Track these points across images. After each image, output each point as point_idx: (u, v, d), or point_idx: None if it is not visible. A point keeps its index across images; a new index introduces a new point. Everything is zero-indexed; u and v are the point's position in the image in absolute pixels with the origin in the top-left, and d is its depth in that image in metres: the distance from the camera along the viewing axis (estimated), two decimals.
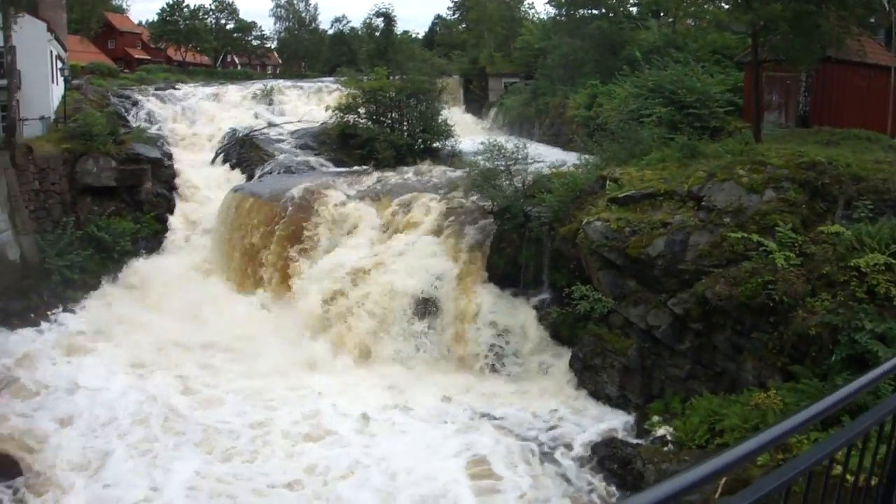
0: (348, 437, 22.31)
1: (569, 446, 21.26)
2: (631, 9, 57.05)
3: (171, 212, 40.56)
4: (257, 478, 20.42)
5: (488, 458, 21.01)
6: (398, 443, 21.96)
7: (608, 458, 19.97)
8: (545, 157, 31.16)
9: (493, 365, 26.02)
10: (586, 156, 29.69)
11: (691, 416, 19.51)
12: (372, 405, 24.17)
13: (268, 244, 33.11)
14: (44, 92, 42.65)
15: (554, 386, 24.69)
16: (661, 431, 20.18)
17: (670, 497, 2.59)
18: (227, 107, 54.84)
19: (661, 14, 56.87)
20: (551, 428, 22.39)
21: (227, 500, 19.37)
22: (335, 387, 25.62)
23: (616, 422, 22.10)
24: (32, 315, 31.01)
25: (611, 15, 53.29)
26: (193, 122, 51.06)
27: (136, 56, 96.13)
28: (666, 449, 19.38)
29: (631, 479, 18.85)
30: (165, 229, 39.54)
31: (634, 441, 20.55)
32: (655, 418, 20.85)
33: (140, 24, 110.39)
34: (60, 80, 46.53)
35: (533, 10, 77.87)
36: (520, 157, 28.84)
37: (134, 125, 46.56)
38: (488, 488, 19.74)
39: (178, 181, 42.17)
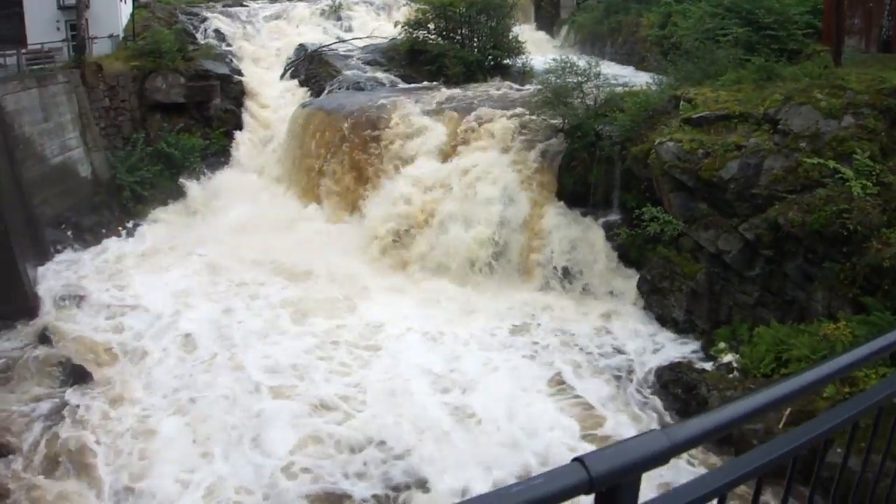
0: (415, 352, 22.82)
1: (633, 369, 21.44)
2: None
3: (240, 128, 40.92)
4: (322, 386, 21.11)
5: (553, 373, 21.39)
6: (468, 359, 22.39)
7: (672, 382, 20.06)
8: (617, 76, 30.64)
9: (560, 284, 26.16)
10: (659, 76, 29.22)
11: (758, 344, 19.35)
12: (439, 321, 24.63)
13: (336, 159, 33.33)
14: (112, 10, 42.97)
15: (620, 307, 24.78)
16: (726, 358, 20.14)
17: (733, 422, 2.63)
18: (296, 23, 54.68)
19: None
20: (616, 349, 22.59)
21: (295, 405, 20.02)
22: (401, 302, 26.12)
23: (682, 346, 22.20)
24: (104, 230, 31.86)
25: None
26: (261, 38, 51.09)
27: None
28: (731, 376, 19.38)
29: (695, 404, 18.89)
30: (234, 145, 39.97)
31: (699, 367, 20.61)
32: (722, 345, 20.76)
33: None
34: None
35: None
36: (592, 74, 28.47)
37: (202, 42, 46.71)
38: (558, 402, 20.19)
39: (246, 97, 42.42)
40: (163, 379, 21.56)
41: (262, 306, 26.07)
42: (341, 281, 27.42)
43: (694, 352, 21.72)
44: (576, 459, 2.21)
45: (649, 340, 22.82)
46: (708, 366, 20.57)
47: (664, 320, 23.32)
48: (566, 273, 26.23)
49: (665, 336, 22.85)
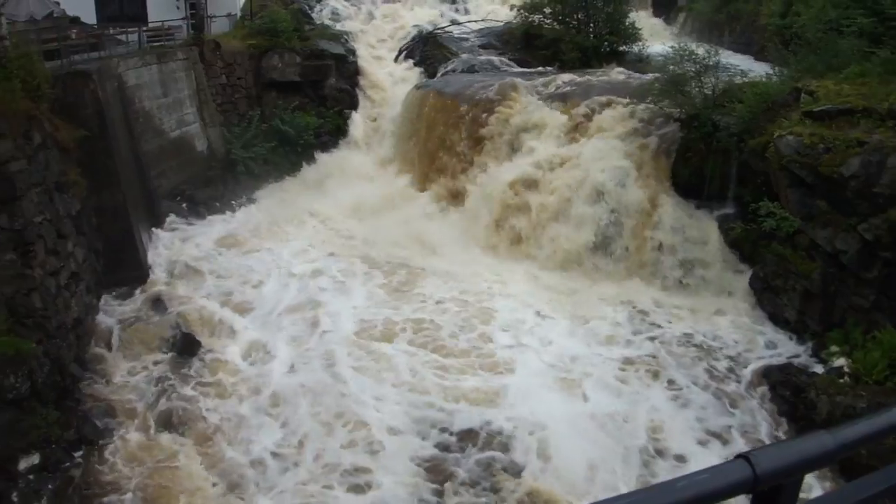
0: (523, 338, 22.80)
1: (741, 366, 20.98)
2: None
3: (354, 107, 41.43)
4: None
5: (659, 368, 21.09)
6: (572, 343, 22.30)
7: (781, 383, 19.55)
8: (736, 65, 29.93)
9: (670, 276, 25.76)
10: (779, 67, 28.39)
11: (872, 349, 18.63)
12: (547, 308, 24.55)
13: (450, 142, 33.39)
14: None
15: (731, 303, 24.29)
16: (838, 362, 19.44)
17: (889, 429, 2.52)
18: (411, 5, 54.97)
19: None
20: (725, 346, 22.14)
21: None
22: (510, 288, 26.07)
23: (792, 347, 21.62)
24: (217, 204, 32.54)
25: None
26: (377, 19, 51.50)
27: None
28: (842, 381, 18.71)
29: (803, 407, 18.38)
30: (348, 124, 40.45)
31: (810, 369, 20.05)
32: (834, 348, 20.05)
33: None
34: None
35: None
36: (711, 63, 27.83)
37: (318, 22, 47.43)
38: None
39: (361, 77, 42.86)
40: (272, 343, 22.16)
41: (372, 284, 26.45)
42: (454, 265, 27.61)
43: (804, 353, 21.13)
44: (740, 456, 2.18)
45: (759, 339, 22.31)
46: (818, 369, 20.00)
47: (775, 319, 22.74)
48: (678, 265, 25.80)
49: (775, 335, 22.29)
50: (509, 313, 24.21)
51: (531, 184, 29.16)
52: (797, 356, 21.04)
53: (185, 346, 21.66)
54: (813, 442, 2.29)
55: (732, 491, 2.12)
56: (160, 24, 37.20)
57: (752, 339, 22.33)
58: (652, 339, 22.67)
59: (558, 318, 23.98)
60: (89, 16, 39.24)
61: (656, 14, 61.91)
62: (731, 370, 20.92)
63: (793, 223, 21.97)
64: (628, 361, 21.47)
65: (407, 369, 20.95)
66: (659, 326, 23.38)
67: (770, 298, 22.90)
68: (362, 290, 26.06)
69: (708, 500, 2.11)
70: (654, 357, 21.60)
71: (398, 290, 26.06)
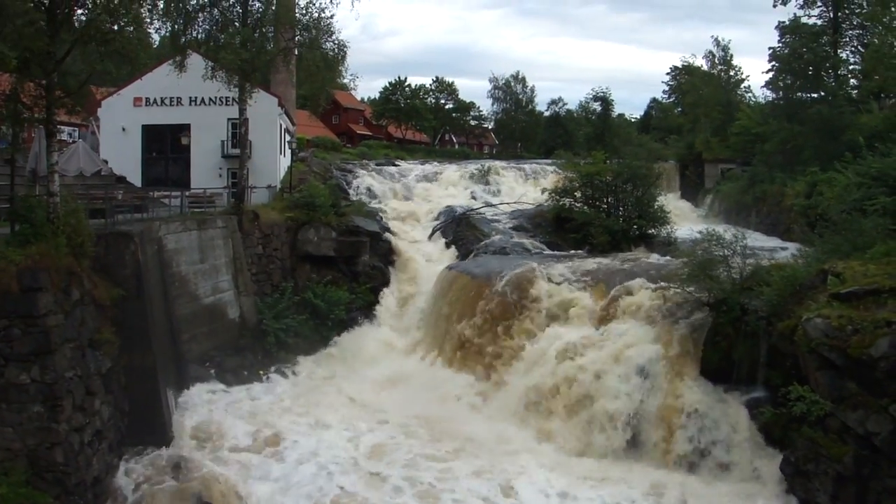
0: None
1: None
2: (851, 91, 54.63)
3: (387, 285, 41.98)
4: None
5: None
6: None
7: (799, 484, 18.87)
8: (763, 248, 30.21)
9: (698, 462, 25.22)
10: (805, 247, 28.63)
11: None
12: (571, 493, 23.98)
13: (480, 324, 33.54)
14: (272, 162, 45.68)
15: (762, 490, 23.53)
16: None
17: None
18: (445, 184, 56.44)
19: (883, 96, 54.55)
20: None
21: None
22: (533, 471, 25.51)
23: None
24: (246, 372, 32.59)
25: (830, 98, 51.06)
26: (411, 198, 52.86)
27: (358, 132, 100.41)
28: None
29: None
30: (379, 302, 40.80)
31: None
32: None
33: (363, 101, 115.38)
34: (288, 152, 49.53)
35: (750, 94, 75.81)
36: (738, 247, 28.12)
37: (354, 198, 48.77)
38: None
39: (394, 255, 43.52)
40: None
41: (404, 469, 25.78)
42: (483, 447, 27.12)
43: None
44: None
45: None
46: None
47: None
48: (705, 451, 25.29)
49: None
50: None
51: (560, 368, 29.03)
52: None
53: None
54: None
55: None
56: (202, 190, 38.33)
57: None
58: None
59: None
60: (135, 176, 40.78)
61: (684, 197, 63.21)
62: None
63: (823, 406, 21.57)
64: None
65: None
66: None
67: (802, 483, 22.25)
68: (386, 467, 25.57)
69: None
70: None
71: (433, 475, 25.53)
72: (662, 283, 30.24)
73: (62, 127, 39.94)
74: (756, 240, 31.89)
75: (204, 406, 28.57)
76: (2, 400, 18.48)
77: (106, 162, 37.19)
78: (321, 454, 26.14)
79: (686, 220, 49.60)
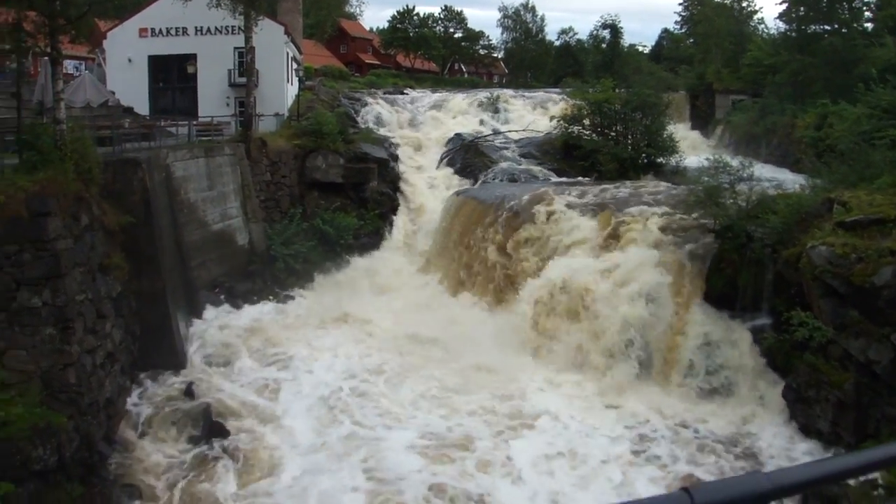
0: (551, 440, 22.64)
1: None
2: (865, 25, 54.12)
3: (394, 211, 42.07)
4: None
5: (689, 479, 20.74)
6: (599, 451, 22.07)
7: (813, 496, 19.19)
8: (772, 178, 30.14)
9: (702, 384, 25.53)
10: (814, 178, 28.62)
11: None
12: (577, 414, 24.36)
13: (487, 249, 33.74)
14: (279, 90, 45.42)
15: (764, 414, 23.89)
16: (872, 474, 19.16)
17: (838, 474, 2.58)
18: (454, 113, 56.13)
19: None
20: (754, 457, 21.79)
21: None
22: (542, 392, 25.93)
23: None
24: (255, 297, 32.93)
25: (844, 31, 50.65)
26: (420, 125, 52.61)
27: (367, 61, 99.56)
28: (876, 493, 18.30)
29: None
30: (388, 227, 40.98)
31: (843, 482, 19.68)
32: None
33: (371, 30, 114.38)
34: (295, 80, 49.22)
35: (762, 26, 74.71)
36: (745, 174, 28.11)
37: (362, 126, 48.57)
38: None
39: (402, 182, 43.59)
40: (298, 440, 22.10)
41: (407, 383, 26.38)
42: (490, 369, 27.48)
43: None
44: (683, 489, 2.26)
45: (791, 450, 21.90)
46: (852, 482, 19.61)
47: (808, 430, 22.32)
48: (708, 375, 25.58)
49: (808, 446, 21.86)
50: (535, 418, 24.09)
51: (564, 291, 29.29)
52: None
53: (212, 434, 21.82)
54: (750, 482, 2.35)
55: None
56: (210, 119, 38.30)
57: (784, 450, 21.95)
58: (679, 449, 22.33)
59: (584, 424, 23.76)
60: (143, 107, 40.65)
61: (694, 127, 62.71)
62: None
63: (825, 333, 21.79)
64: (654, 473, 21.20)
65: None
66: (688, 436, 23.06)
67: (802, 409, 22.55)
68: (391, 387, 26.07)
69: None
70: (686, 468, 21.27)
71: (435, 393, 25.96)
72: (668, 210, 30.25)
73: (68, 61, 39.71)
74: (766, 171, 31.70)
75: (214, 330, 28.99)
76: (15, 323, 18.75)
77: (113, 93, 37.08)
78: (331, 371, 26.86)
79: (696, 151, 49.24)
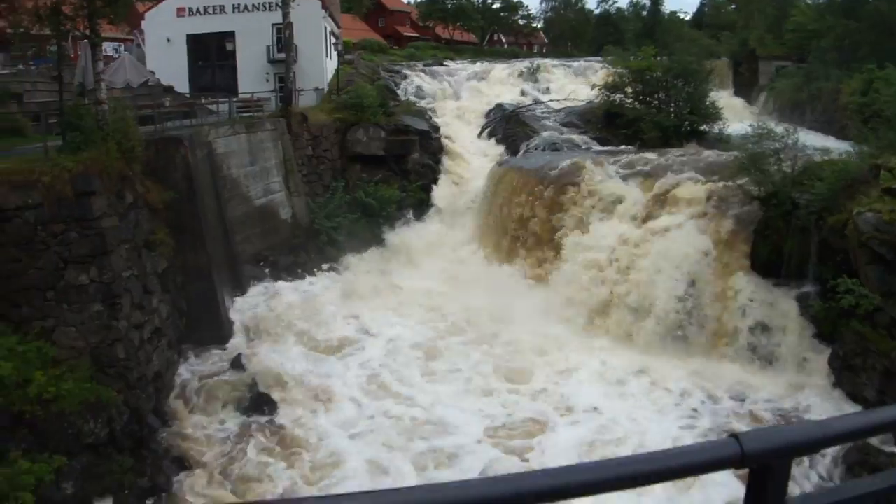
0: (599, 407, 22.83)
1: None
2: None
3: (436, 182, 42.06)
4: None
5: None
6: (644, 421, 22.07)
7: (859, 464, 18.97)
8: (816, 144, 29.69)
9: (748, 353, 25.37)
10: (859, 144, 28.15)
11: None
12: (623, 381, 24.45)
13: (530, 218, 33.69)
14: (318, 65, 45.56)
15: (810, 382, 23.71)
16: None
17: (892, 424, 2.60)
18: (494, 83, 55.92)
19: None
20: None
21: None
22: (587, 361, 25.96)
23: None
24: (299, 270, 33.11)
25: None
26: (460, 96, 52.48)
27: (405, 34, 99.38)
28: None
29: None
30: (430, 198, 41.02)
31: (889, 450, 19.43)
32: None
33: (409, 3, 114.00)
34: (334, 54, 49.38)
35: None
36: (789, 140, 27.70)
37: (403, 98, 48.56)
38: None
39: (444, 153, 43.54)
40: (347, 412, 22.35)
41: (454, 359, 26.49)
42: (534, 338, 27.55)
43: (885, 435, 20.51)
44: (732, 435, 2.26)
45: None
46: None
47: (854, 398, 22.10)
48: (754, 343, 25.41)
49: None
50: (579, 387, 24.25)
51: (609, 260, 29.21)
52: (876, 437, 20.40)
53: (260, 406, 22.09)
54: (800, 429, 2.34)
55: (720, 465, 2.21)
56: (250, 95, 38.50)
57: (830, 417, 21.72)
58: (725, 416, 22.28)
59: (632, 389, 23.88)
60: (183, 85, 40.97)
61: (737, 93, 61.99)
62: None
63: (872, 300, 21.51)
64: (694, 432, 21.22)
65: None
66: (735, 404, 22.97)
67: (849, 377, 22.34)
68: (439, 364, 26.21)
69: (697, 471, 2.23)
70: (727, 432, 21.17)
71: (484, 367, 26.04)
72: (713, 177, 29.95)
73: (107, 43, 40.11)
74: (810, 138, 31.20)
75: (259, 303, 29.24)
76: (63, 301, 19.09)
77: (153, 73, 37.40)
78: (377, 345, 27.15)
79: (739, 117, 48.68)
